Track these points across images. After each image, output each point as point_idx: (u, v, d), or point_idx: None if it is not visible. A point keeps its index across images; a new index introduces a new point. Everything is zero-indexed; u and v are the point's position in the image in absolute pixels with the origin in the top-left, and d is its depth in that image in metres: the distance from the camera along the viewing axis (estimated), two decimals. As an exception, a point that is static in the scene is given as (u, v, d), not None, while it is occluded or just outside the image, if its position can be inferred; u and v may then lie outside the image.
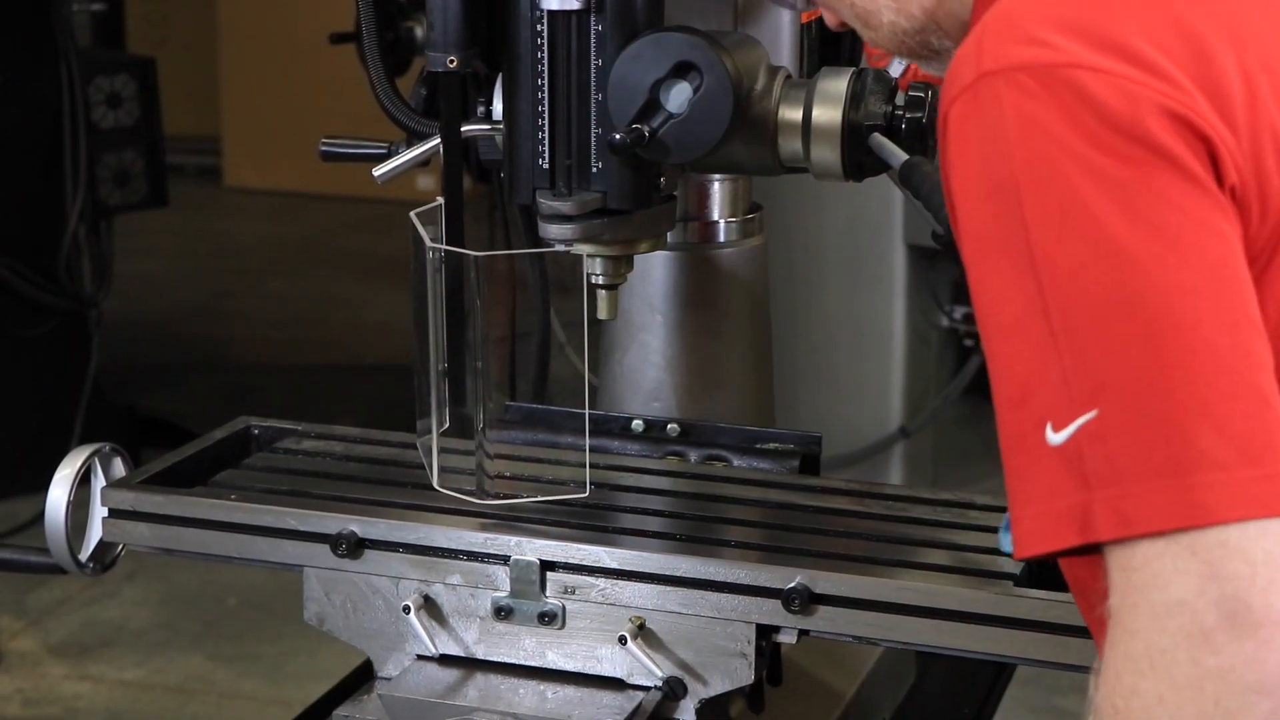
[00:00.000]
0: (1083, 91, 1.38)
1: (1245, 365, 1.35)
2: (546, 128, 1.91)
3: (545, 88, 1.91)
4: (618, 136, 1.82)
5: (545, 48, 1.90)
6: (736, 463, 2.18)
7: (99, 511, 2.05)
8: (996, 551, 1.93)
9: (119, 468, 2.09)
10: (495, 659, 1.93)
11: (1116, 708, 1.34)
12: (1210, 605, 1.30)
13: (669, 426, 2.20)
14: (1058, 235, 1.38)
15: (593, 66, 1.89)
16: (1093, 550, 1.36)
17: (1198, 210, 1.36)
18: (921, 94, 1.99)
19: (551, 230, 1.93)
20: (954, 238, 1.49)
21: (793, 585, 1.83)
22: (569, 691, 1.90)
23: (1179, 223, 1.36)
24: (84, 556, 2.05)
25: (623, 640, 1.87)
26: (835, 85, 1.98)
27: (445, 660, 1.94)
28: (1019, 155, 1.39)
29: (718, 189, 2.22)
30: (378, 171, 2.07)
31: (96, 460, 2.06)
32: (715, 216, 2.23)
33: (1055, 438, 1.36)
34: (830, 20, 1.75)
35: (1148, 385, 1.34)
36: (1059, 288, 1.37)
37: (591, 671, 1.91)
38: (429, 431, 2.02)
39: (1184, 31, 1.41)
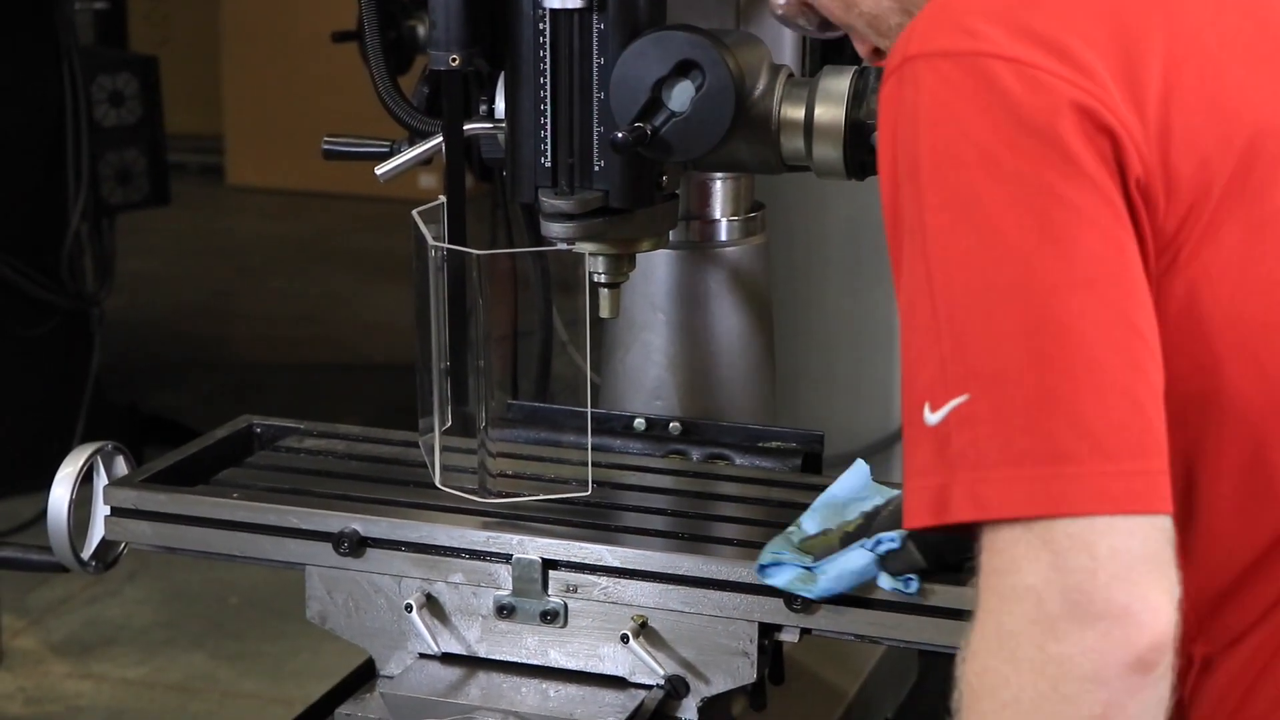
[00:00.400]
0: (995, 82, 1.41)
1: (1115, 363, 1.38)
2: (549, 126, 1.91)
3: (547, 86, 1.91)
4: (620, 135, 1.82)
5: (547, 46, 1.90)
6: (739, 461, 2.18)
7: (101, 510, 2.05)
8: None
9: (121, 466, 2.09)
10: (497, 657, 1.93)
11: (971, 684, 1.40)
12: (1056, 594, 1.35)
13: (671, 425, 2.20)
14: (950, 222, 1.41)
15: (595, 65, 1.89)
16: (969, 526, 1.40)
17: (1090, 209, 1.39)
18: (924, 92, 1.98)
19: (553, 229, 1.93)
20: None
21: (795, 584, 1.82)
22: (571, 690, 1.90)
23: (1067, 220, 1.39)
24: (86, 555, 2.05)
25: (625, 639, 1.87)
26: (837, 84, 1.98)
27: (447, 659, 1.94)
28: (925, 140, 1.43)
29: (720, 187, 2.22)
30: (380, 170, 2.07)
31: (99, 459, 2.06)
32: (717, 215, 2.23)
33: (931, 418, 1.41)
34: (863, 50, 1.77)
35: (1016, 376, 1.38)
36: (945, 273, 1.41)
37: (594, 670, 1.91)
38: (431, 430, 2.02)
39: (1115, 21, 1.44)
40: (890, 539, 1.76)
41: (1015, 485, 1.37)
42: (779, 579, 1.79)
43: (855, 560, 1.77)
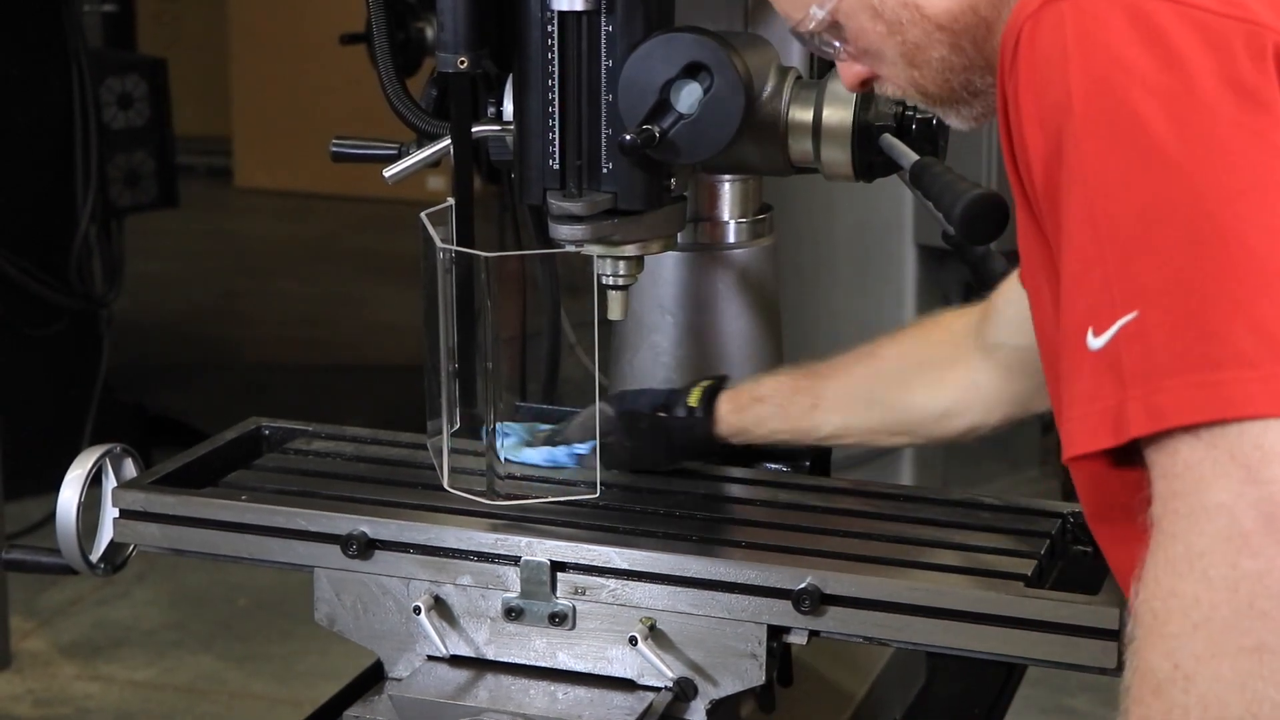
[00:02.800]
0: (1142, 12, 1.40)
1: None
2: (557, 128, 1.91)
3: (555, 88, 1.91)
4: (628, 137, 1.82)
5: (555, 48, 1.90)
6: (747, 463, 2.18)
7: (110, 512, 2.05)
8: (1006, 552, 1.93)
9: (130, 468, 2.09)
10: (506, 660, 1.93)
11: (1155, 610, 1.34)
12: (1248, 508, 1.31)
13: (679, 427, 2.20)
14: (1107, 146, 1.40)
15: (603, 67, 1.89)
16: (1135, 462, 1.37)
17: (1245, 117, 1.38)
18: (932, 94, 1.98)
19: (562, 231, 1.93)
20: (1015, 171, 1.52)
21: (803, 586, 1.82)
22: (580, 692, 1.90)
23: (1224, 130, 1.38)
24: (95, 557, 2.05)
25: (633, 641, 1.87)
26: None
27: (456, 661, 1.94)
28: (1075, 73, 1.41)
29: (728, 189, 2.22)
30: (388, 172, 2.07)
31: (107, 461, 2.06)
32: (725, 217, 2.23)
33: (1095, 342, 1.38)
34: (853, 76, 1.71)
35: (1184, 286, 1.36)
36: (1105, 195, 1.40)
37: (602, 672, 1.91)
38: (439, 432, 2.02)
39: None
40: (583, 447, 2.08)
41: (1195, 391, 1.33)
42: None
43: (555, 453, 2.10)
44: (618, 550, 1.89)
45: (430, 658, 1.95)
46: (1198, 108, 1.39)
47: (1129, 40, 1.41)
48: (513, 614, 1.91)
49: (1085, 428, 1.39)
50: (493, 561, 1.92)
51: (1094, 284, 1.39)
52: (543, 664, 1.92)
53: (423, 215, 2.00)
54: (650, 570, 1.88)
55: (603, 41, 1.89)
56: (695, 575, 1.86)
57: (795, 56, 2.12)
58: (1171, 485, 1.35)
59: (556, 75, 1.91)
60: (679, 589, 1.86)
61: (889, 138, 1.97)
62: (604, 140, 1.90)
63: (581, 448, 2.08)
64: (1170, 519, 1.34)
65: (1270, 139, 1.39)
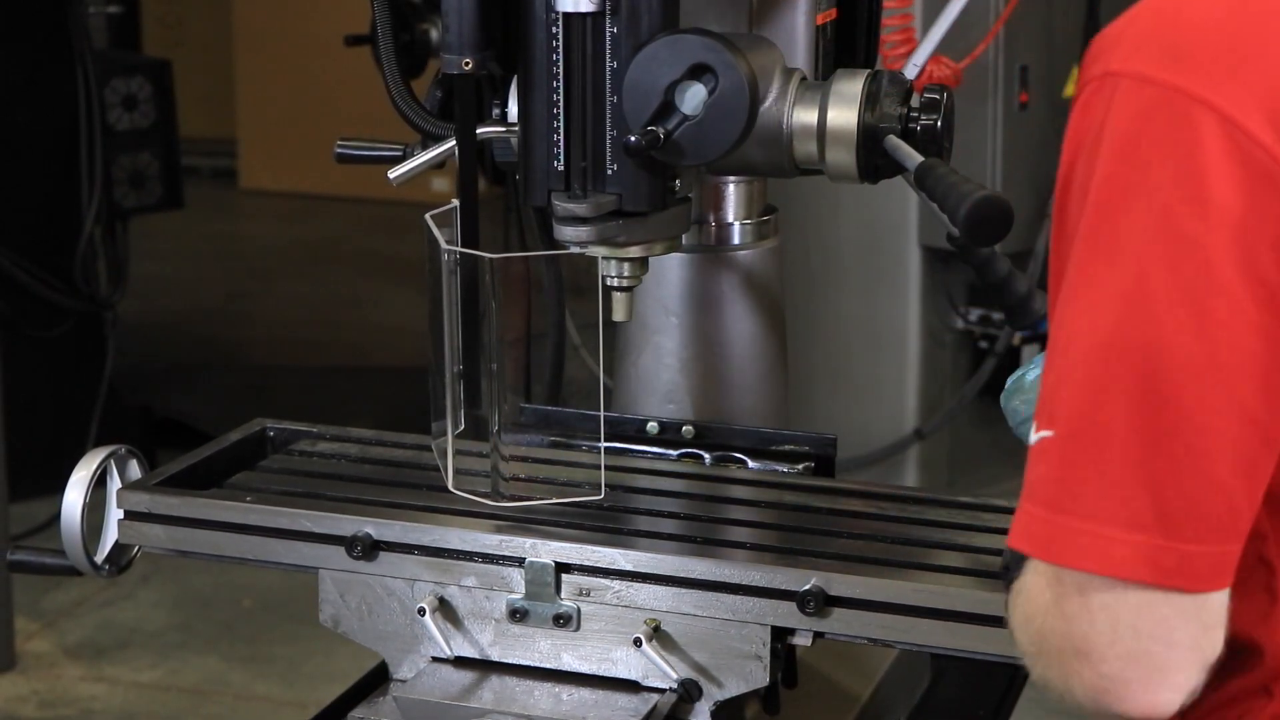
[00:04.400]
0: (1194, 134, 1.35)
1: (1217, 453, 1.37)
2: (561, 130, 1.91)
3: (560, 90, 1.91)
4: (633, 139, 1.82)
5: (560, 50, 1.90)
6: (751, 465, 2.18)
7: (115, 513, 2.05)
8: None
9: (135, 470, 2.09)
10: (510, 661, 1.93)
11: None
12: (1080, 637, 1.42)
13: (684, 428, 2.20)
14: (1103, 263, 1.39)
15: (608, 69, 1.89)
16: None
17: (1243, 296, 1.36)
18: (936, 96, 1.99)
19: (566, 232, 1.93)
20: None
21: (808, 587, 1.82)
22: (584, 694, 1.90)
23: (1217, 299, 1.36)
24: (100, 558, 2.05)
25: (638, 642, 1.87)
26: (850, 87, 1.98)
27: (460, 662, 1.94)
28: (1103, 169, 1.39)
29: (733, 191, 2.22)
30: (393, 173, 2.07)
31: (112, 462, 2.06)
32: (730, 218, 2.23)
33: (1033, 438, 1.44)
34: None
35: (1112, 432, 1.38)
36: (1077, 307, 1.40)
37: (606, 674, 1.91)
38: (444, 433, 2.02)
39: None
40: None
41: (1075, 536, 1.40)
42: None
43: None
44: (622, 552, 1.89)
45: (435, 659, 1.95)
46: (1202, 267, 1.36)
47: (1168, 161, 1.36)
48: (517, 615, 1.91)
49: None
50: (497, 563, 1.92)
51: (1047, 385, 1.43)
52: (547, 665, 1.92)
53: (427, 217, 2.00)
54: (655, 572, 1.88)
55: (608, 43, 1.89)
56: (700, 577, 1.86)
57: (800, 58, 2.12)
58: (1045, 569, 1.44)
59: (561, 77, 1.91)
60: (684, 590, 1.86)
61: (894, 139, 1.97)
62: (609, 142, 1.90)
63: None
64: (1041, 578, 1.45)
65: (1258, 321, 1.36)
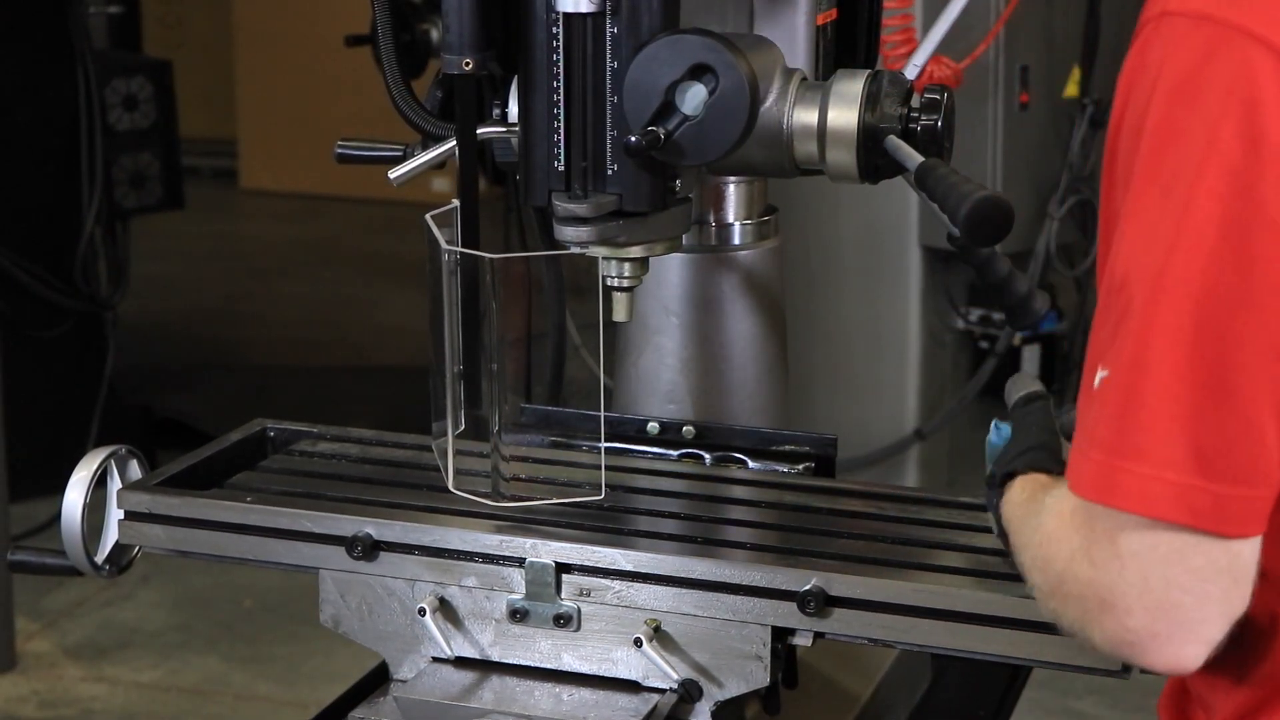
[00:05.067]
0: (1247, 71, 1.36)
1: (1253, 391, 1.38)
2: (562, 130, 1.91)
3: (561, 90, 1.91)
4: (633, 139, 1.82)
5: (560, 50, 1.90)
6: (751, 465, 2.18)
7: (115, 514, 2.05)
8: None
9: (135, 470, 2.09)
10: (510, 661, 1.93)
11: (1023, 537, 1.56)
12: (1107, 587, 1.43)
13: (684, 429, 2.20)
14: (1154, 199, 1.40)
15: (608, 69, 1.89)
16: None
17: None
18: (937, 96, 1.98)
19: (567, 232, 1.93)
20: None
21: (808, 588, 1.82)
22: (584, 694, 1.90)
23: (1261, 234, 1.37)
24: (100, 559, 2.05)
25: (638, 642, 1.87)
26: (851, 87, 1.98)
27: (460, 662, 1.94)
28: (1157, 109, 1.40)
29: (733, 191, 2.22)
30: (393, 174, 2.07)
31: (113, 462, 2.06)
32: (730, 219, 2.23)
33: (1096, 378, 1.44)
34: None
35: (1155, 370, 1.39)
36: (1129, 244, 1.41)
37: (607, 674, 1.91)
38: (444, 434, 2.02)
39: None
40: None
41: (1115, 475, 1.41)
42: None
43: None
44: (623, 552, 1.89)
45: (435, 659, 1.95)
46: (1249, 203, 1.37)
47: (1222, 100, 1.37)
48: (517, 615, 1.91)
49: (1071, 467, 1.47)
50: (498, 563, 1.92)
51: (1102, 322, 1.44)
52: (547, 665, 1.92)
53: (428, 217, 2.00)
54: (655, 572, 1.88)
55: (608, 43, 1.89)
56: (700, 577, 1.86)
57: (801, 58, 2.12)
58: (1079, 509, 1.46)
59: (562, 77, 1.91)
60: (684, 591, 1.86)
61: (894, 140, 1.97)
62: (609, 142, 1.90)
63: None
64: (1073, 523, 1.46)
65: None
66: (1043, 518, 1.49)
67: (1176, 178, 1.38)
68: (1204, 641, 1.41)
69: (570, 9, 1.88)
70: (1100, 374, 1.42)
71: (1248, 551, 1.41)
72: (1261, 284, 1.37)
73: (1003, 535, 1.65)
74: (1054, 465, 1.62)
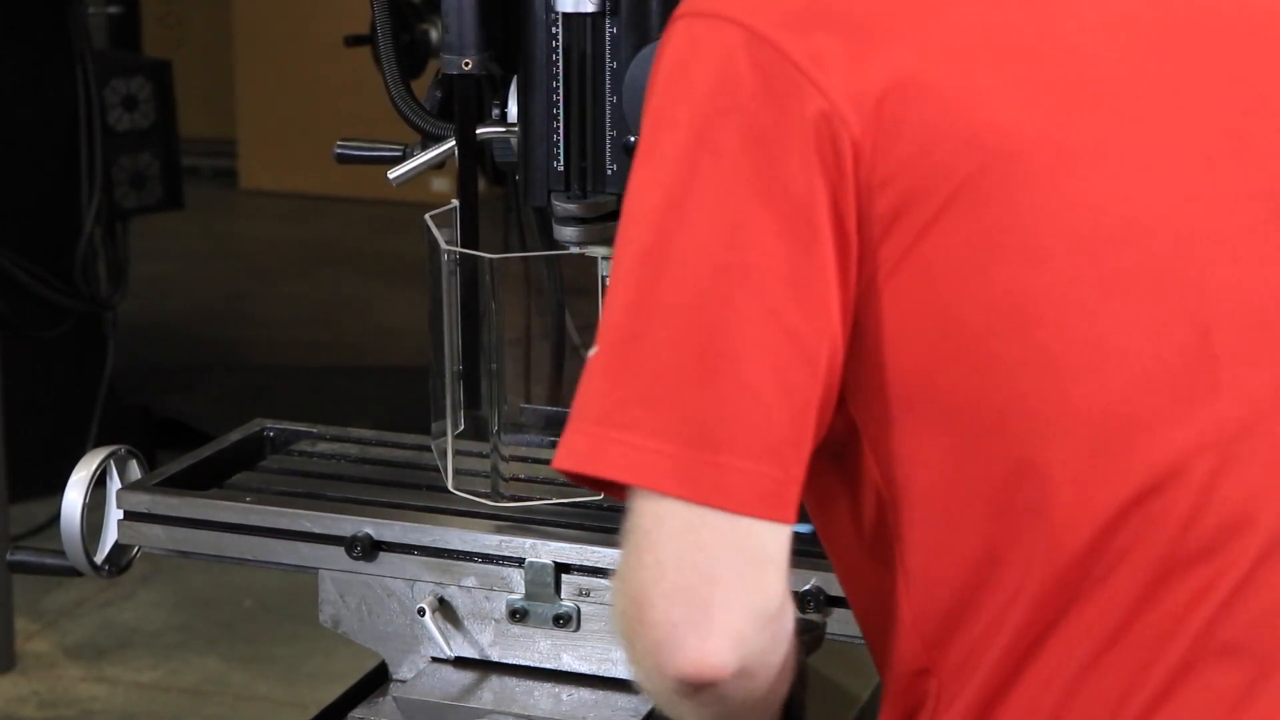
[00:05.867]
0: (726, 48, 1.39)
1: (749, 355, 1.35)
2: (561, 130, 1.92)
3: (560, 90, 1.91)
4: (633, 139, 1.82)
5: (560, 50, 1.90)
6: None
7: (114, 514, 2.05)
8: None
9: (134, 470, 2.09)
10: (510, 661, 1.93)
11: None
12: (634, 585, 1.39)
13: (684, 429, 2.20)
14: (645, 177, 1.41)
15: (607, 69, 1.89)
16: None
17: (775, 199, 1.36)
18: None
19: (566, 232, 1.94)
20: None
21: (808, 588, 1.82)
22: (584, 694, 1.90)
23: (744, 202, 1.37)
24: (99, 559, 2.05)
25: (638, 642, 1.86)
26: (850, 87, 1.98)
27: (460, 662, 1.95)
28: (655, 92, 1.43)
29: (732, 191, 2.22)
30: (392, 174, 2.07)
31: (112, 463, 2.06)
32: (730, 219, 2.22)
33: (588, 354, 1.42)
34: None
35: (649, 343, 1.37)
36: (625, 224, 1.41)
37: (606, 674, 1.91)
38: (444, 434, 2.02)
39: (867, 5, 1.40)
40: None
41: (610, 446, 1.37)
42: None
43: None
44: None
45: (435, 659, 1.95)
46: (733, 172, 1.37)
47: (704, 76, 1.39)
48: (517, 615, 1.92)
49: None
50: (497, 563, 1.92)
51: (605, 305, 1.42)
52: (547, 665, 1.92)
53: (427, 217, 2.00)
54: (655, 572, 1.87)
55: (607, 43, 1.89)
56: (700, 577, 1.86)
57: (800, 58, 2.12)
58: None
59: (561, 77, 1.91)
60: (683, 591, 1.86)
61: (893, 139, 1.96)
62: (608, 142, 1.91)
63: None
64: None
65: (790, 222, 1.36)
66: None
67: (665, 154, 1.39)
68: (728, 635, 1.34)
69: (570, 9, 1.88)
70: (590, 351, 1.40)
71: (766, 534, 1.36)
72: (752, 251, 1.36)
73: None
74: None
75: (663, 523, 1.35)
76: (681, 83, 1.41)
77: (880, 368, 1.40)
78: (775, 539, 1.37)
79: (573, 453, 1.39)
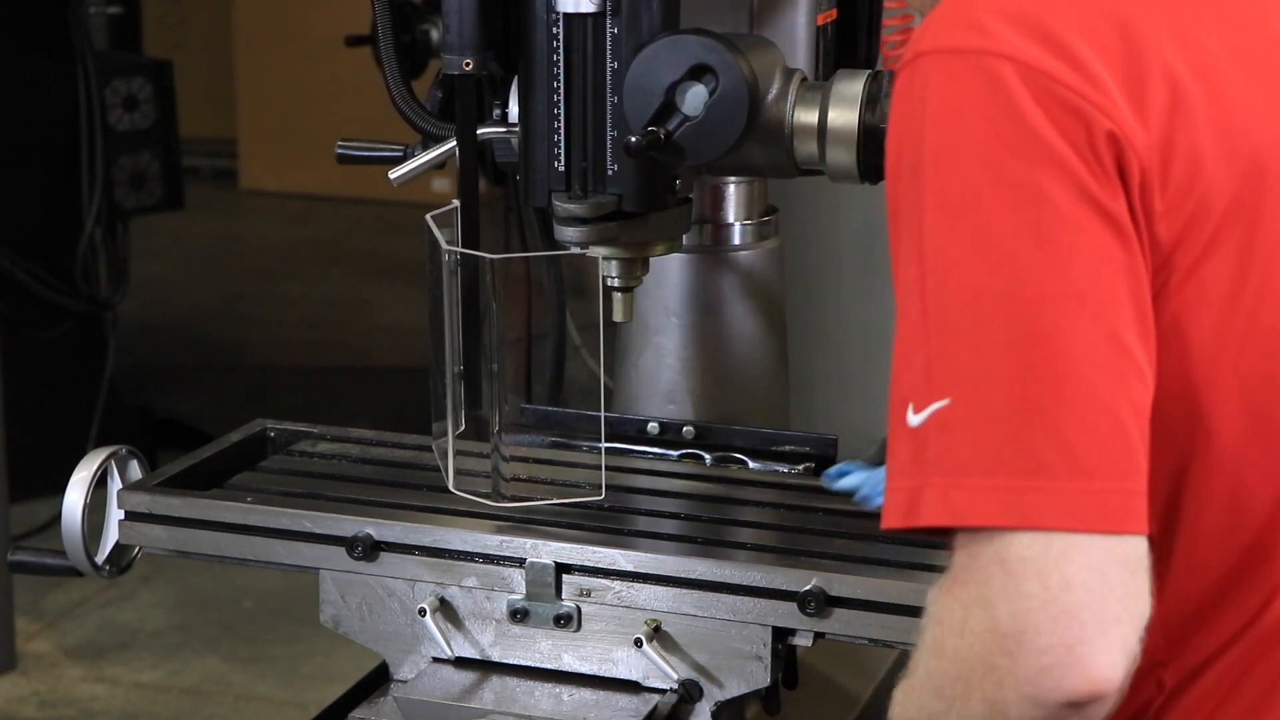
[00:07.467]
0: (1001, 84, 1.40)
1: (1099, 380, 1.38)
2: (562, 130, 1.92)
3: (561, 90, 1.91)
4: (633, 139, 1.82)
5: (561, 50, 1.90)
6: (752, 465, 2.18)
7: (115, 514, 2.05)
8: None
9: (135, 470, 2.09)
10: (511, 661, 1.93)
11: (917, 676, 1.44)
12: (1007, 615, 1.36)
13: (684, 429, 2.20)
14: (947, 223, 1.42)
15: (608, 69, 1.89)
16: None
17: (1088, 223, 1.39)
18: (937, 96, 1.98)
19: (567, 233, 1.94)
20: None
21: (808, 588, 1.82)
22: (585, 694, 1.90)
23: (1063, 231, 1.39)
24: (100, 559, 2.05)
25: (638, 643, 1.87)
26: (851, 87, 1.98)
27: (461, 663, 1.95)
28: (930, 138, 1.43)
29: (733, 191, 2.22)
30: (393, 174, 2.07)
31: (113, 463, 2.06)
32: (731, 219, 2.23)
33: (913, 419, 1.43)
34: None
35: (998, 384, 1.38)
36: (938, 274, 1.42)
37: (607, 674, 1.91)
38: (445, 434, 2.02)
39: (1123, 27, 1.43)
40: None
41: (988, 494, 1.37)
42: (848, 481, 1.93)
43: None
44: (623, 552, 1.89)
45: (435, 659, 1.95)
46: (1037, 200, 1.39)
47: (986, 114, 1.41)
48: (518, 616, 1.92)
49: (891, 503, 1.44)
50: (498, 563, 1.92)
51: (918, 362, 1.43)
52: (548, 666, 1.92)
53: (428, 217, 2.00)
54: (655, 572, 1.88)
55: (608, 43, 1.89)
56: (700, 577, 1.86)
57: (801, 58, 2.12)
58: (961, 567, 1.40)
59: (562, 77, 1.91)
60: (684, 591, 1.86)
61: (894, 140, 1.96)
62: (609, 142, 1.91)
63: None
64: (953, 597, 1.41)
65: (1100, 239, 1.39)
66: (922, 634, 1.45)
67: (965, 200, 1.41)
68: (1121, 646, 1.36)
69: (570, 9, 1.88)
70: (934, 405, 1.40)
71: (1138, 545, 1.38)
72: (1077, 274, 1.38)
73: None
74: None
75: (1049, 547, 1.36)
76: (956, 122, 1.41)
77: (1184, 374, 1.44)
78: (1144, 546, 1.39)
79: (988, 509, 1.38)
